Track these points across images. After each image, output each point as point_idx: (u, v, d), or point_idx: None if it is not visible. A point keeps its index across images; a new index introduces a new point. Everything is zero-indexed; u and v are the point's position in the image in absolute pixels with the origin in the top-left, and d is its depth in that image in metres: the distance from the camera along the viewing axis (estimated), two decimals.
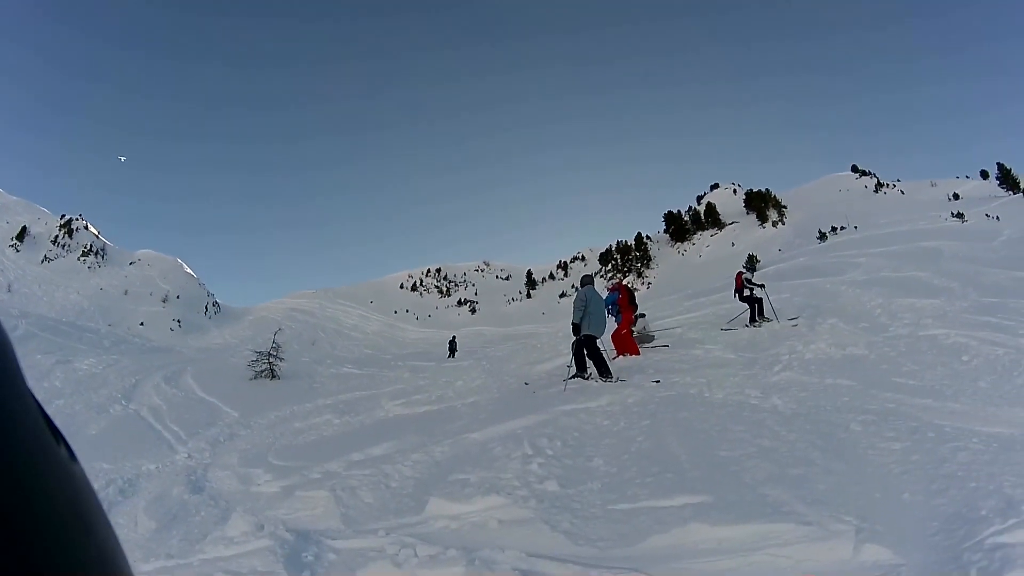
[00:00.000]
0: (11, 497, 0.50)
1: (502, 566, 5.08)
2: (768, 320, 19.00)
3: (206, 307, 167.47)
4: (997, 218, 74.03)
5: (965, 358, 11.78)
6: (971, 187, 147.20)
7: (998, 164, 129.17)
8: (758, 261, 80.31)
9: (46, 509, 0.53)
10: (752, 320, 19.45)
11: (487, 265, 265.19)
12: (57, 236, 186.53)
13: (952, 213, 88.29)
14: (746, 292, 20.46)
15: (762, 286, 20.50)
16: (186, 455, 11.70)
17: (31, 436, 0.56)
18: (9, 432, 0.52)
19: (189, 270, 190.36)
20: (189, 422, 14.42)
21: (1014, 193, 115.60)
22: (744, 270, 21.34)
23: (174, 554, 6.10)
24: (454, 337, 48.07)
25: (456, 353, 39.04)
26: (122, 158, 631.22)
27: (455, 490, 7.48)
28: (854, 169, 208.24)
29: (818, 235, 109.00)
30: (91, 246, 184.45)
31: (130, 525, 8.07)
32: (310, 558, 5.76)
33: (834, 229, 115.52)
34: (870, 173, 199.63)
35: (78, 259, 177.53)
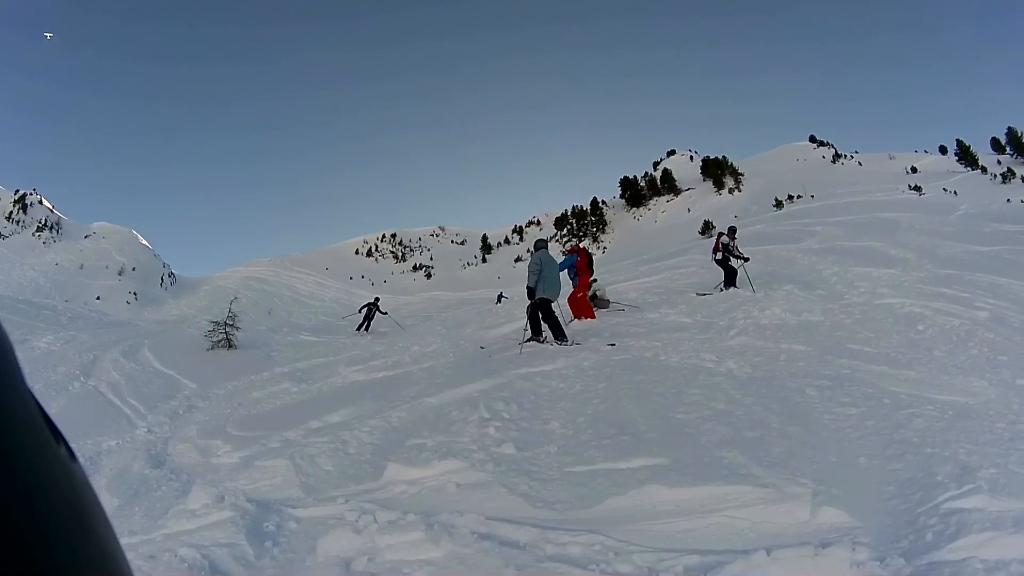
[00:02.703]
0: (11, 497, 0.50)
1: (461, 530, 5.07)
2: (737, 288, 18.50)
3: (162, 278, 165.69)
4: (955, 192, 75.29)
5: (920, 327, 11.93)
6: (929, 161, 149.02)
7: (957, 140, 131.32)
8: (713, 227, 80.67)
9: (46, 509, 0.53)
10: (726, 286, 19.08)
11: (442, 230, 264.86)
12: (11, 212, 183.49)
13: (910, 186, 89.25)
14: (719, 256, 19.97)
15: (747, 259, 19.85)
16: (146, 429, 11.51)
17: (31, 436, 0.55)
18: (9, 432, 0.52)
19: (144, 241, 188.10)
20: (148, 396, 14.18)
21: (972, 169, 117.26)
22: (724, 233, 20.60)
23: (137, 530, 6.03)
24: (376, 300, 32.06)
25: (371, 324, 29.41)
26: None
27: (413, 455, 7.47)
28: (812, 139, 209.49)
29: (775, 203, 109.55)
30: (46, 221, 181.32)
31: None
32: (271, 528, 5.72)
33: (791, 198, 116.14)
34: (828, 144, 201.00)
35: (33, 235, 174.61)
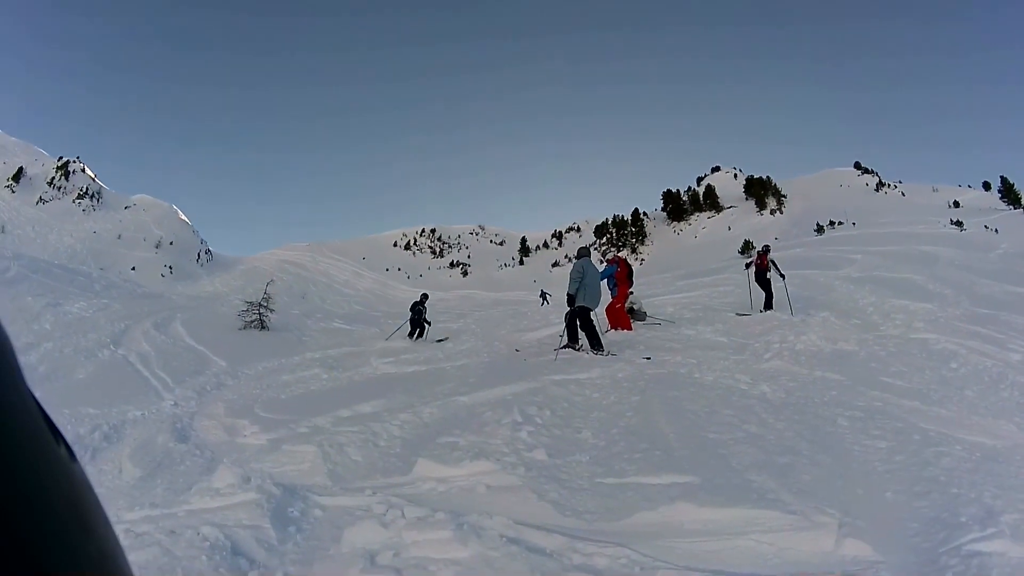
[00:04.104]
0: (11, 497, 0.50)
1: (489, 532, 5.12)
2: (774, 311, 17.99)
3: (198, 255, 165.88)
4: (996, 230, 73.87)
5: (954, 365, 11.81)
6: (972, 196, 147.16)
7: (1001, 177, 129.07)
8: (753, 246, 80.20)
9: (46, 509, 0.53)
10: (765, 308, 18.67)
11: (482, 229, 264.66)
12: (54, 178, 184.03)
13: (951, 220, 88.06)
14: (769, 275, 19.52)
15: (783, 276, 19.50)
16: (172, 403, 11.72)
17: (31, 436, 0.56)
18: (9, 432, 0.53)
19: (184, 217, 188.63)
20: (177, 369, 14.46)
21: (1015, 208, 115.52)
22: (767, 251, 20.29)
23: (159, 503, 6.07)
24: (423, 298, 24.65)
25: (424, 330, 22.73)
26: None
27: (444, 453, 7.52)
28: (857, 166, 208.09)
29: (816, 228, 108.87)
30: (87, 189, 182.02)
31: (114, 472, 8.10)
32: (296, 513, 5.78)
33: (832, 223, 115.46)
34: (872, 171, 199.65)
35: (73, 202, 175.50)
